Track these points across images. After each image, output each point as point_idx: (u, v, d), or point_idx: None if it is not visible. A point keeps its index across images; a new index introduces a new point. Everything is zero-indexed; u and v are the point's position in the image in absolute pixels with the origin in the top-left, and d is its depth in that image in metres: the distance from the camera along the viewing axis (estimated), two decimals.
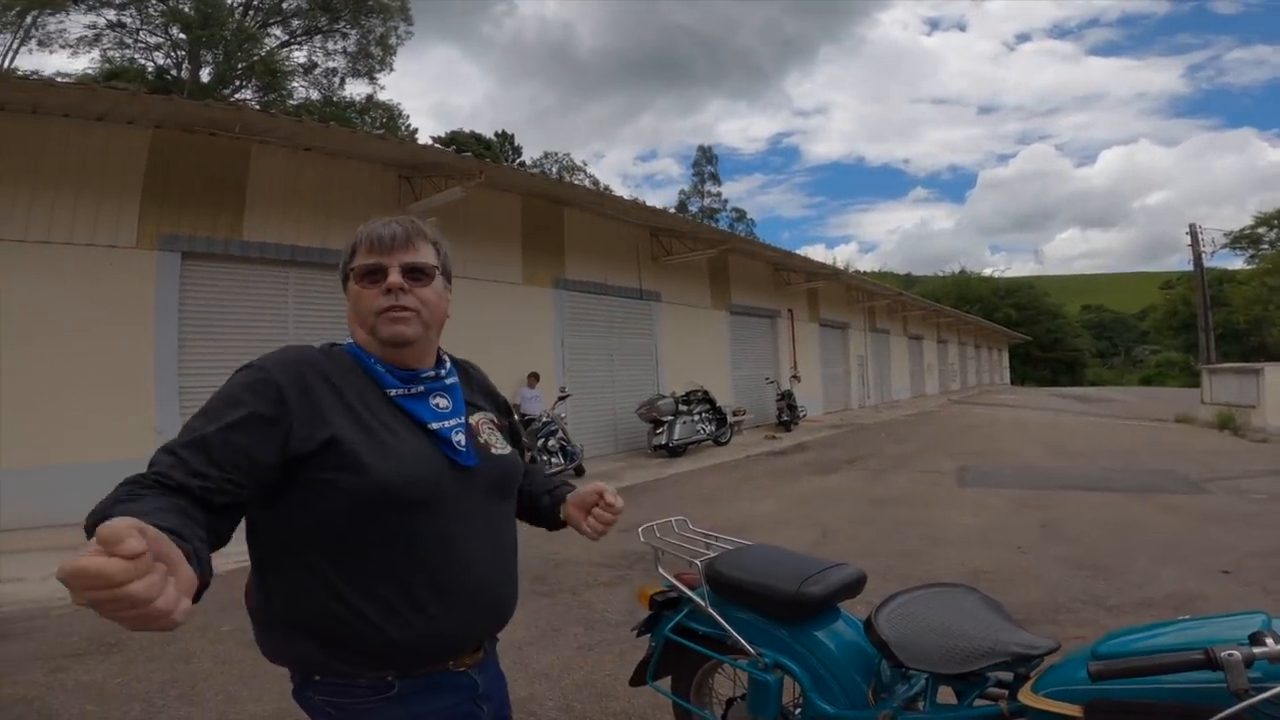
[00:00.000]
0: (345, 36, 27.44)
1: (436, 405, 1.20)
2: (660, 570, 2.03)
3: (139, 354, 7.16)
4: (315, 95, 28.10)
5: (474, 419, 1.27)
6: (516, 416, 1.48)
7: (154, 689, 3.14)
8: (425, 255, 1.21)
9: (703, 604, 1.84)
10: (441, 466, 1.14)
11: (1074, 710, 1.23)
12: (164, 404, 7.19)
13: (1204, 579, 4.41)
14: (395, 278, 1.16)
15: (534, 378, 10.48)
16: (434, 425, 1.17)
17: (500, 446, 1.28)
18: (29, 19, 21.93)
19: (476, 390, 1.35)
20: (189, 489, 0.93)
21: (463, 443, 1.18)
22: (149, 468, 0.97)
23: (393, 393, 1.17)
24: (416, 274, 1.19)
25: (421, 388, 1.20)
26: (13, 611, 4.35)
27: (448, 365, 1.29)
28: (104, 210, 7.02)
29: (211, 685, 3.17)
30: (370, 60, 27.91)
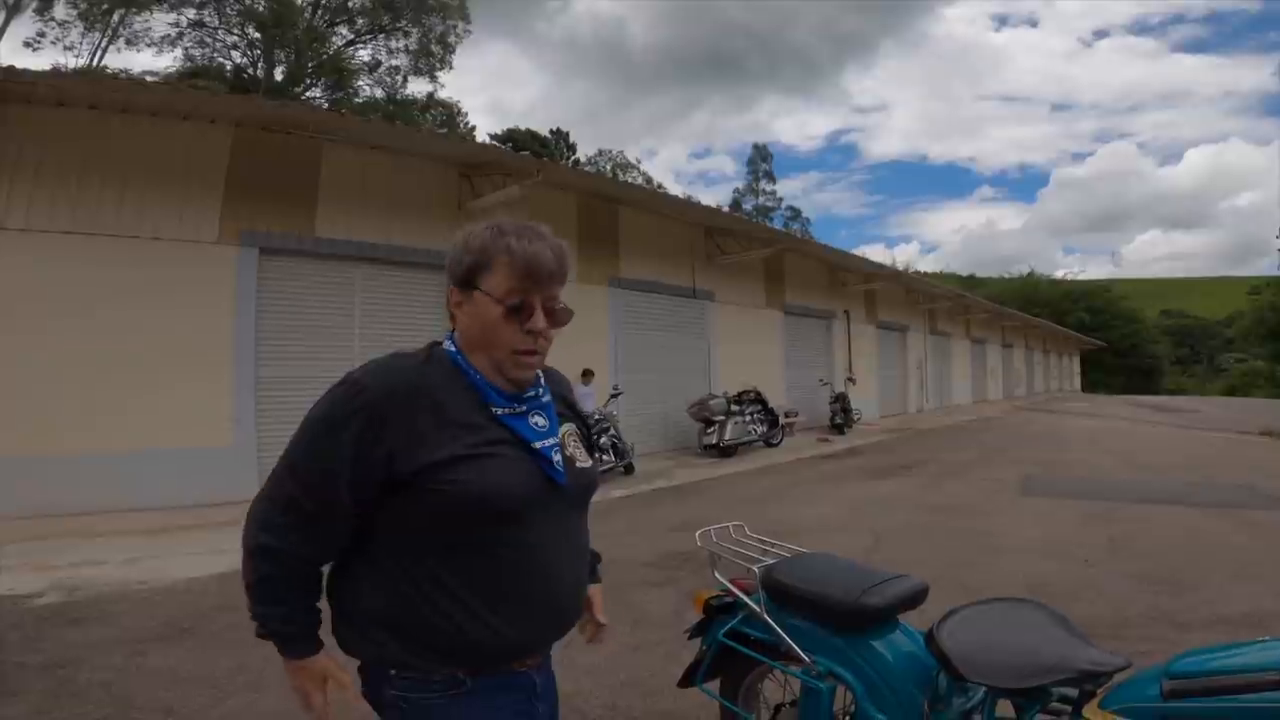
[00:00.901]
0: (407, 35, 28.27)
1: (535, 424, 1.21)
2: (716, 575, 2.04)
3: (218, 346, 7.53)
4: (379, 94, 29.03)
5: (562, 431, 1.28)
6: None
7: (223, 675, 3.24)
8: (562, 289, 1.20)
9: (758, 610, 1.85)
10: (539, 484, 1.17)
11: None
12: (241, 395, 7.55)
13: None
14: (542, 322, 1.15)
15: (588, 375, 10.58)
16: (537, 444, 1.18)
17: (583, 459, 1.29)
18: (117, 17, 23.20)
19: (560, 400, 1.35)
20: (314, 533, 1.14)
21: (560, 462, 1.20)
22: (272, 488, 1.16)
23: (498, 411, 1.18)
24: (553, 313, 1.18)
25: (524, 407, 1.21)
26: (91, 595, 4.49)
27: (543, 382, 1.29)
28: (188, 207, 7.40)
29: (277, 671, 3.25)
30: (431, 59, 28.68)
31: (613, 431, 9.86)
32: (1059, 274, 72.05)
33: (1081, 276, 78.55)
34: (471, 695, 1.14)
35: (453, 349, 1.20)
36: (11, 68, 6.04)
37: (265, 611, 1.14)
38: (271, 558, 1.12)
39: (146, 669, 3.34)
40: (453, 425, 1.13)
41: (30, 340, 6.52)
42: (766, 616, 1.82)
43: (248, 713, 2.91)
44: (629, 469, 9.84)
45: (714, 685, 2.13)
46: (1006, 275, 71.56)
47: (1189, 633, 3.65)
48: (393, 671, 1.15)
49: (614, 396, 10.57)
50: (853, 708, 1.72)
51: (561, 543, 1.21)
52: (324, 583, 1.19)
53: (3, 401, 6.35)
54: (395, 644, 1.13)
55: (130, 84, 7.28)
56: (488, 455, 1.12)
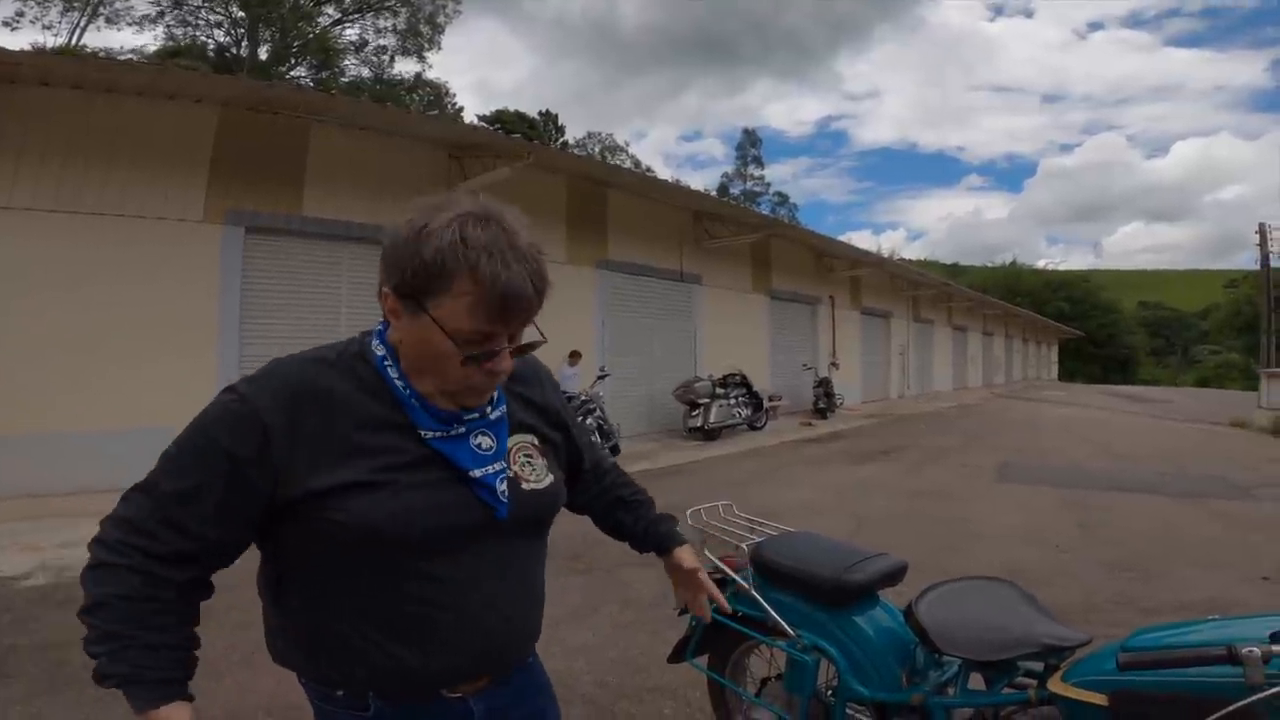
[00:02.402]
0: (395, 14, 27.82)
1: (478, 445, 1.01)
2: (705, 552, 2.12)
3: (204, 325, 7.50)
4: (366, 73, 28.61)
5: (511, 445, 1.08)
6: None
7: (217, 654, 3.22)
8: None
9: (746, 586, 1.93)
10: (470, 516, 0.99)
11: (1100, 699, 1.30)
12: (226, 374, 7.50)
13: (1243, 585, 4.36)
14: (508, 364, 0.96)
15: (575, 356, 10.62)
16: (477, 473, 0.99)
17: (534, 479, 1.08)
18: None
19: (520, 402, 1.13)
20: (180, 559, 0.93)
21: (505, 493, 1.02)
22: (121, 507, 0.95)
23: (428, 435, 0.98)
24: (521, 349, 0.98)
25: (464, 429, 1.01)
26: (79, 577, 4.56)
27: (495, 395, 1.06)
28: (173, 186, 7.33)
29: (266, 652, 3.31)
30: (419, 38, 28.27)
31: (599, 413, 9.93)
32: (1041, 264, 72.99)
33: (1063, 267, 79.59)
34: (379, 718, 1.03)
35: (380, 351, 0.99)
36: None
37: (95, 649, 0.91)
38: (109, 580, 0.91)
39: None
40: (355, 442, 0.95)
41: (15, 319, 6.45)
42: (754, 592, 1.91)
43: (245, 690, 2.96)
44: (614, 451, 9.91)
45: (702, 660, 2.22)
46: (990, 264, 72.48)
47: (1154, 618, 3.79)
48: (303, 680, 1.07)
49: (600, 378, 10.63)
50: (835, 681, 1.82)
51: (500, 575, 1.04)
52: (185, 614, 0.97)
53: None
54: (299, 655, 1.04)
55: (115, 64, 7.16)
56: (404, 495, 0.94)
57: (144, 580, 0.91)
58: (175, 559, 0.93)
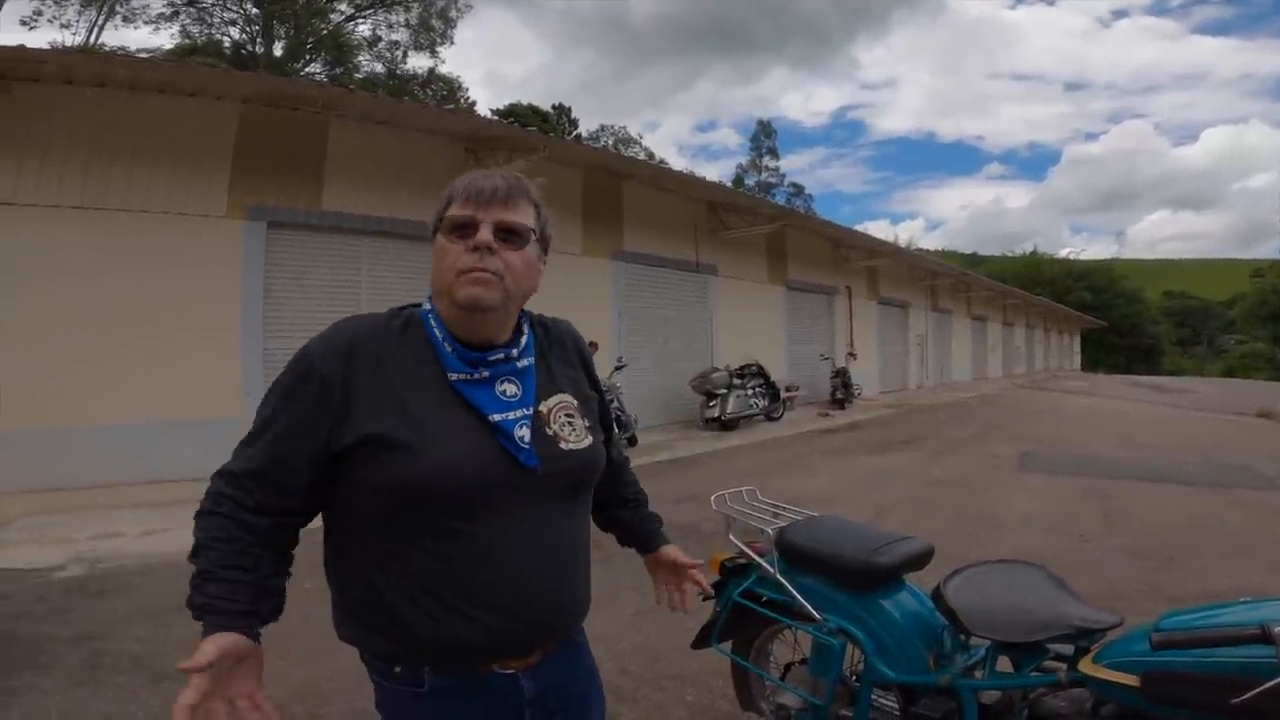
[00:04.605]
0: (408, 9, 27.90)
1: (502, 393, 1.08)
2: (731, 537, 2.13)
3: (227, 319, 7.58)
4: (379, 69, 28.72)
5: (546, 405, 1.13)
6: None
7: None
8: (524, 216, 1.10)
9: (772, 570, 1.94)
10: (496, 464, 1.04)
11: (1132, 680, 1.30)
12: (249, 367, 7.62)
13: (1269, 575, 4.31)
14: (485, 235, 1.04)
15: (592, 346, 10.60)
16: (495, 417, 1.06)
17: (573, 439, 1.13)
18: None
19: (560, 364, 1.21)
20: (264, 510, 1.04)
21: (526, 439, 1.07)
22: (229, 461, 1.06)
23: (454, 377, 1.06)
24: (509, 235, 1.07)
25: (488, 373, 1.08)
26: (113, 568, 4.54)
27: (524, 342, 1.14)
28: (196, 181, 7.41)
29: (300, 640, 3.20)
30: (431, 33, 28.34)
31: (616, 403, 9.96)
32: (1063, 253, 71.89)
33: (1085, 256, 78.21)
34: (434, 694, 1.06)
35: (426, 307, 1.13)
36: (22, 46, 6.01)
37: (192, 583, 1.02)
38: (206, 526, 1.03)
39: (173, 640, 3.37)
40: (399, 391, 1.03)
41: (42, 315, 6.56)
42: (780, 577, 1.92)
43: (280, 680, 2.95)
44: (632, 441, 9.95)
45: (727, 645, 2.23)
46: (1010, 254, 71.51)
47: (1179, 605, 3.77)
48: (366, 656, 1.11)
49: (618, 369, 10.66)
50: (861, 664, 1.83)
51: (537, 535, 1.07)
52: (266, 556, 1.05)
53: (15, 376, 6.41)
54: (360, 630, 1.09)
55: (138, 61, 7.23)
56: (431, 435, 1.01)
57: (234, 526, 1.02)
58: (259, 509, 1.03)
